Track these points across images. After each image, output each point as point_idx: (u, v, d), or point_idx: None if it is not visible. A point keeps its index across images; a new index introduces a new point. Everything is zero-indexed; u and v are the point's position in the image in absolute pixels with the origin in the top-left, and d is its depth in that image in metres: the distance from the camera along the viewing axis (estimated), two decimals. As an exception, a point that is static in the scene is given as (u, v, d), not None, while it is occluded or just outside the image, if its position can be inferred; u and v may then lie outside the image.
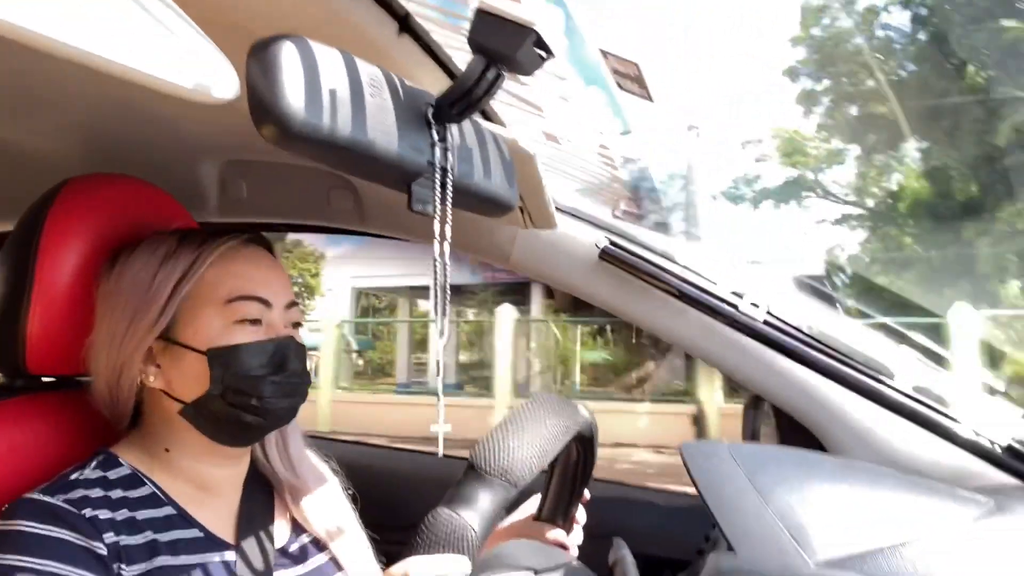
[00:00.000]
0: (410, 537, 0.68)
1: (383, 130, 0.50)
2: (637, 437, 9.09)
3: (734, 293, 1.16)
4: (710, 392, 9.61)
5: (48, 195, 0.90)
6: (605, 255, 1.17)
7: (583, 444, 0.89)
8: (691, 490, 1.37)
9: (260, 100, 0.45)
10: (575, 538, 0.99)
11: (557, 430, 0.74)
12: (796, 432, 1.18)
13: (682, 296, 1.15)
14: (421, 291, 14.56)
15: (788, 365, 1.14)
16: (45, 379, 0.93)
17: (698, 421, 9.51)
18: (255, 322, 0.83)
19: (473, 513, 0.66)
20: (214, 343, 0.81)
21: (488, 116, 0.73)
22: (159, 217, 0.94)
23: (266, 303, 0.84)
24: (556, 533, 0.96)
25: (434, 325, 0.58)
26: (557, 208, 1.10)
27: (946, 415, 1.10)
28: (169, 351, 0.83)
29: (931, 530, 0.70)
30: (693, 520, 1.30)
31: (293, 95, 0.45)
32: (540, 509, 0.98)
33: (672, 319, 1.17)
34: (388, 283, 14.60)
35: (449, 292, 0.55)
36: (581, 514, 1.00)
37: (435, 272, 0.54)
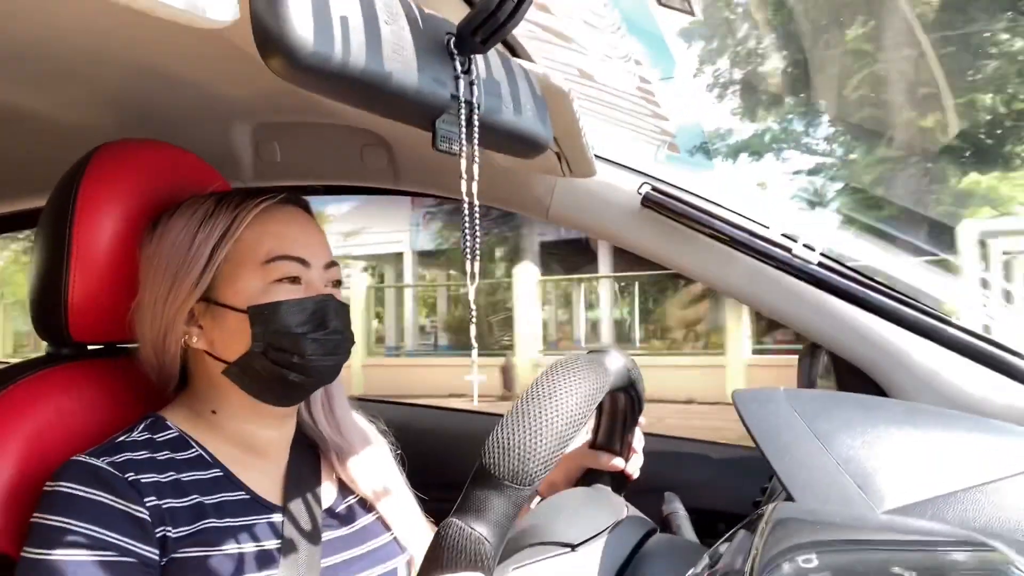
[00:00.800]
0: (455, 495, 0.66)
1: (401, 61, 0.47)
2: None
3: (786, 236, 1.10)
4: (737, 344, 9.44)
5: (80, 163, 0.90)
6: (648, 202, 1.12)
7: (626, 390, 0.84)
8: (743, 443, 1.34)
9: (265, 28, 0.42)
10: (635, 463, 0.96)
11: (577, 405, 0.66)
12: (855, 379, 1.13)
13: (731, 241, 1.09)
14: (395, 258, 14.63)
15: (846, 309, 1.08)
16: (91, 347, 0.94)
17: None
18: (294, 281, 0.83)
19: (485, 524, 0.61)
20: (254, 302, 0.81)
21: (515, 52, 0.69)
22: (194, 181, 0.93)
23: (304, 262, 0.83)
24: (615, 462, 0.94)
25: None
26: (596, 155, 1.06)
27: (1020, 355, 1.04)
28: (211, 312, 0.83)
29: (1008, 472, 0.66)
30: (747, 472, 1.27)
31: (301, 23, 0.42)
32: (594, 437, 0.95)
33: (720, 266, 1.12)
34: (368, 251, 14.62)
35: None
36: (640, 439, 0.97)
37: (464, 214, 0.50)
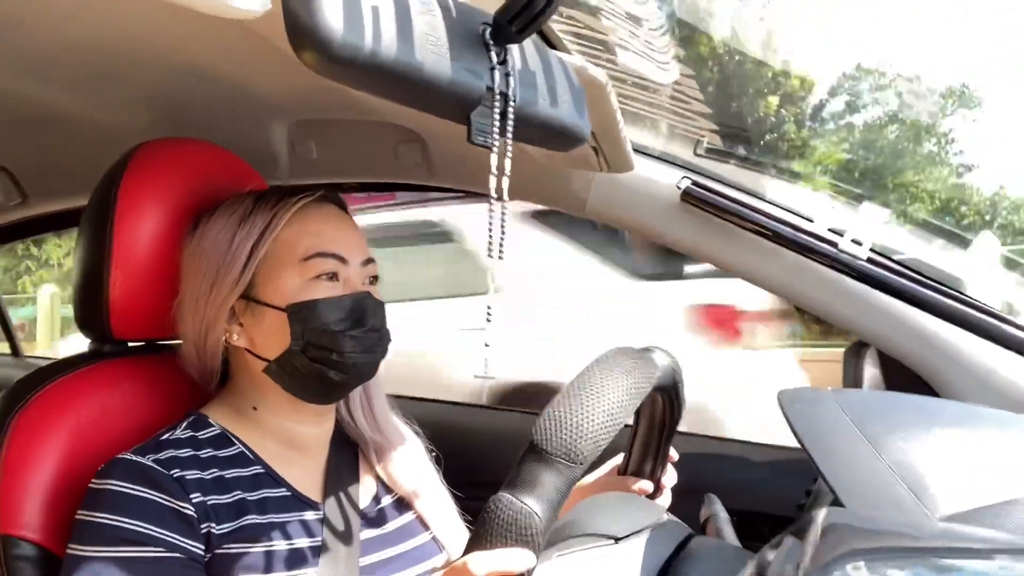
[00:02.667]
0: (491, 492, 0.65)
1: (435, 52, 0.46)
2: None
3: (832, 230, 1.06)
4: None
5: (120, 162, 0.91)
6: (687, 196, 1.10)
7: (667, 393, 0.83)
8: (786, 444, 1.30)
9: (296, 20, 0.41)
10: (663, 501, 0.94)
11: (627, 393, 0.66)
12: (905, 379, 1.09)
13: (774, 236, 1.06)
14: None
15: (896, 306, 1.04)
16: (132, 344, 0.95)
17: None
18: (332, 278, 0.83)
19: (536, 499, 0.61)
20: (293, 299, 0.81)
21: (552, 43, 0.67)
22: (231, 179, 0.94)
23: (342, 259, 0.84)
24: (643, 485, 0.92)
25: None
26: (634, 148, 1.03)
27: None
28: (251, 310, 0.83)
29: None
30: (790, 474, 1.23)
31: (332, 15, 0.41)
32: (625, 463, 0.93)
33: (763, 261, 1.09)
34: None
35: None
36: (670, 476, 0.95)
37: (491, 211, 0.49)
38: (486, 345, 0.61)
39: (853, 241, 1.04)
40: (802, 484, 1.08)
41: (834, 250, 1.05)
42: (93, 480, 0.76)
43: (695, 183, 1.11)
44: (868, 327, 1.08)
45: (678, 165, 1.12)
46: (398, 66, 0.44)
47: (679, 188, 1.11)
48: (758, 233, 1.08)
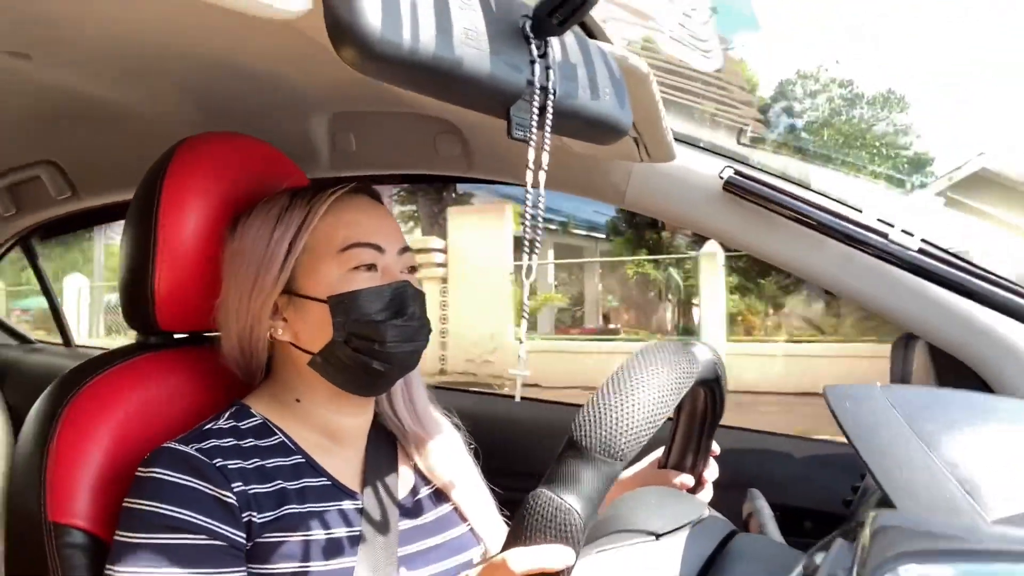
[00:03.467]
0: (531, 485, 0.65)
1: (475, 47, 0.45)
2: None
3: (882, 221, 1.03)
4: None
5: (165, 156, 0.92)
6: (730, 186, 1.07)
7: (708, 387, 0.82)
8: (831, 438, 1.27)
9: (337, 18, 0.41)
10: (705, 496, 0.93)
11: (667, 388, 0.66)
12: (957, 373, 1.06)
13: (820, 227, 1.03)
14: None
15: (949, 298, 1.01)
16: (177, 335, 0.96)
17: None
18: (370, 268, 0.83)
19: (575, 495, 0.60)
20: (333, 291, 0.82)
21: (591, 33, 0.66)
22: (273, 173, 0.95)
23: (378, 248, 0.84)
24: (683, 479, 0.90)
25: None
26: (675, 138, 1.01)
27: None
28: (293, 304, 0.84)
29: None
30: (835, 469, 1.21)
31: (372, 12, 0.41)
32: (666, 456, 0.92)
33: (809, 253, 1.06)
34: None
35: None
36: (712, 470, 0.93)
37: (527, 205, 0.48)
38: (519, 341, 0.60)
39: (904, 232, 1.01)
40: (848, 480, 1.06)
41: (884, 241, 1.01)
42: (139, 468, 0.78)
43: (738, 172, 1.08)
44: (918, 319, 1.05)
45: (720, 154, 1.10)
46: (438, 62, 0.44)
47: (721, 178, 1.08)
48: (803, 223, 1.05)
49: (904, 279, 1.02)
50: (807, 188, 1.07)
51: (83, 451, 0.82)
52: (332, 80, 1.07)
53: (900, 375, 1.20)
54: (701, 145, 1.11)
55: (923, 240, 1.02)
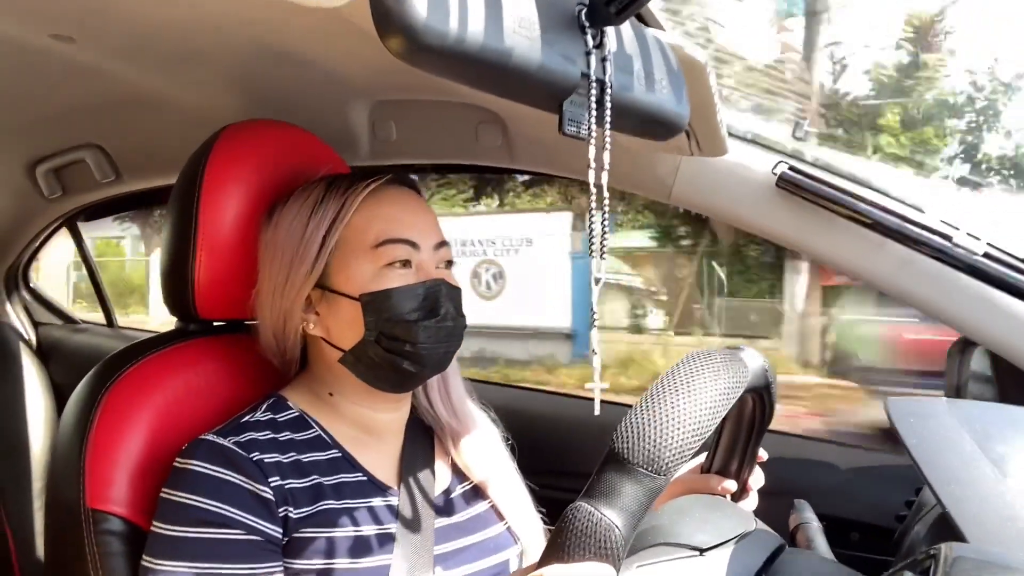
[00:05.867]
0: (569, 484, 0.62)
1: (526, 36, 0.42)
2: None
3: (945, 223, 0.98)
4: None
5: (206, 144, 0.92)
6: (784, 182, 1.03)
7: (758, 393, 0.78)
8: (883, 447, 1.22)
9: (382, 6, 0.38)
10: (749, 504, 0.89)
11: (715, 399, 0.62)
12: (1020, 384, 1.00)
13: (879, 227, 0.98)
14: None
15: (1015, 305, 0.95)
16: (217, 323, 0.96)
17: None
18: (405, 264, 0.82)
19: (616, 510, 0.57)
20: (366, 288, 0.80)
21: (645, 21, 0.62)
22: (312, 162, 0.93)
23: (414, 244, 0.82)
24: (727, 486, 0.87)
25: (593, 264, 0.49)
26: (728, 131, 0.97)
27: None
28: (326, 299, 0.83)
29: None
30: (888, 481, 1.16)
31: (419, 1, 0.38)
32: (709, 461, 0.89)
33: (866, 254, 1.02)
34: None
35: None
36: (757, 478, 0.89)
37: (591, 209, 0.45)
38: (595, 353, 0.57)
39: (969, 235, 0.96)
40: (900, 493, 1.01)
41: (948, 244, 0.96)
42: (177, 459, 0.77)
43: (792, 168, 1.04)
44: (981, 327, 1.00)
45: (774, 149, 1.05)
46: (486, 53, 0.41)
47: (775, 174, 1.04)
48: (861, 223, 1.00)
49: (967, 284, 0.97)
50: (867, 186, 1.02)
51: (122, 438, 0.82)
52: (374, 67, 1.05)
53: (956, 383, 1.15)
54: (754, 139, 1.06)
55: (989, 244, 0.97)
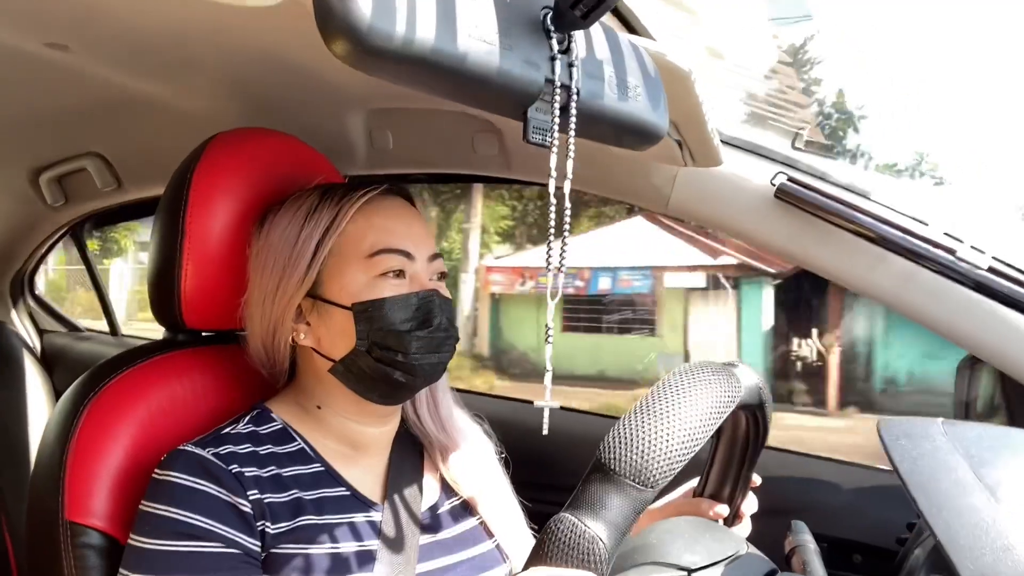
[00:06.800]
0: (565, 499, 0.60)
1: (483, 40, 0.40)
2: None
3: (949, 235, 0.95)
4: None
5: (194, 153, 0.91)
6: (783, 193, 1.01)
7: (751, 411, 0.76)
8: (885, 466, 1.18)
9: (323, 5, 0.37)
10: (742, 531, 0.86)
11: (706, 412, 0.60)
12: (1029, 402, 0.97)
13: (881, 240, 0.96)
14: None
15: (1020, 320, 0.92)
16: (205, 333, 0.95)
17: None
18: (399, 275, 0.80)
19: (601, 522, 0.56)
20: (358, 298, 0.79)
21: (629, 25, 0.61)
22: (304, 171, 0.93)
23: (408, 255, 0.81)
24: (719, 510, 0.84)
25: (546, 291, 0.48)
26: (723, 141, 0.95)
27: None
28: (317, 308, 0.81)
29: None
30: (889, 500, 1.13)
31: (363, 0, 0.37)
32: (702, 485, 0.86)
33: (867, 268, 0.99)
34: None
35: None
36: (750, 503, 0.87)
37: (552, 219, 0.43)
38: (547, 370, 0.55)
39: (973, 248, 0.93)
40: (902, 513, 0.98)
41: (951, 258, 0.93)
42: (156, 470, 0.76)
43: (791, 179, 1.01)
44: (986, 343, 0.97)
45: (773, 159, 1.03)
46: (439, 57, 0.39)
47: (773, 184, 1.02)
48: (862, 236, 0.97)
49: (971, 300, 0.94)
50: (868, 198, 1.00)
51: (103, 450, 0.81)
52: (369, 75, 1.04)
53: (964, 403, 1.12)
54: (752, 149, 1.04)
55: (994, 257, 0.94)
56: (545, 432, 0.56)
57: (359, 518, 0.80)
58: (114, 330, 2.00)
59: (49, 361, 1.91)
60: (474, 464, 0.92)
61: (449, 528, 0.87)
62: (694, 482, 0.88)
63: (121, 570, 0.73)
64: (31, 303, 2.01)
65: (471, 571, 0.85)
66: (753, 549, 0.73)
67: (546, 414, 0.57)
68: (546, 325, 0.49)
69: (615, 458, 0.58)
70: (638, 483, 0.57)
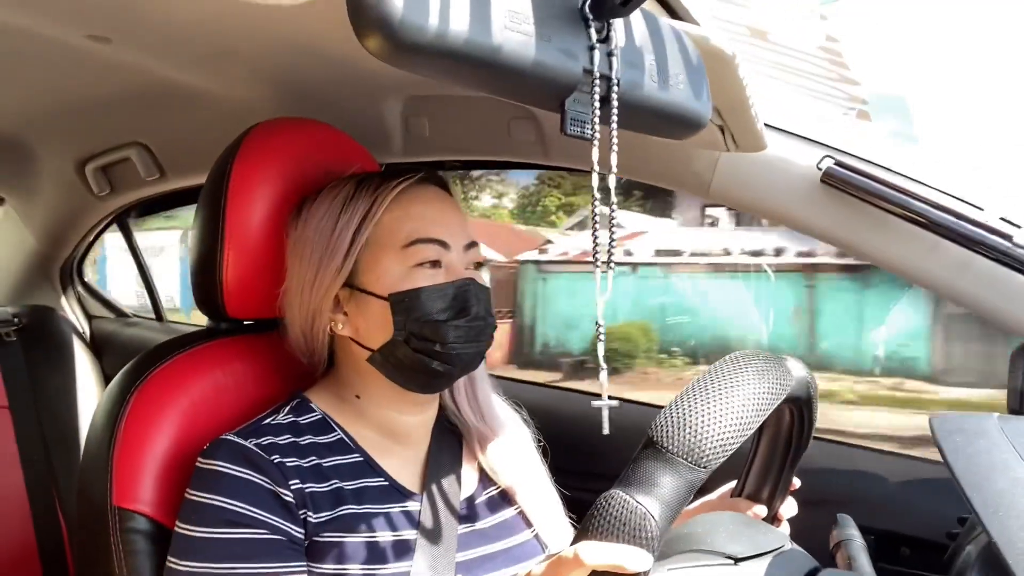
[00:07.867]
0: (603, 487, 0.60)
1: (519, 31, 0.39)
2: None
3: (1006, 220, 0.91)
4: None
5: (235, 142, 0.92)
6: (829, 178, 0.97)
7: (798, 407, 0.74)
8: (937, 457, 1.15)
9: (355, 2, 0.36)
10: (789, 508, 0.84)
11: (760, 395, 0.59)
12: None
13: (933, 226, 0.92)
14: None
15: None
16: (247, 322, 0.96)
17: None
18: (435, 264, 0.80)
19: (652, 499, 0.54)
20: (395, 288, 0.79)
21: (673, 10, 0.59)
22: (341, 160, 0.93)
23: (444, 244, 0.81)
24: (757, 511, 0.82)
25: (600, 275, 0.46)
26: (767, 125, 0.92)
27: None
28: (355, 298, 0.82)
29: None
30: (940, 495, 1.09)
31: None
32: (740, 485, 0.84)
33: (918, 255, 0.95)
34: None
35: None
36: (789, 507, 0.85)
37: (593, 212, 0.42)
38: (601, 368, 0.54)
39: (1032, 234, 0.89)
40: (952, 506, 0.95)
41: (1008, 244, 0.89)
42: (199, 459, 0.77)
43: (839, 163, 0.98)
44: (1045, 333, 0.93)
45: (819, 143, 0.99)
46: (472, 49, 0.38)
47: (819, 168, 0.99)
48: (913, 222, 0.94)
49: None
50: (920, 183, 0.96)
51: (149, 437, 0.83)
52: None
53: (1019, 388, 1.07)
54: (797, 133, 1.01)
55: (1056, 243, 0.90)
56: (605, 431, 0.55)
57: (398, 508, 0.81)
58: (160, 316, 2.04)
59: (98, 346, 1.96)
60: (512, 453, 0.92)
61: (487, 518, 0.87)
62: (731, 484, 0.86)
63: (169, 558, 0.74)
64: (80, 289, 2.07)
65: (509, 561, 0.85)
66: (799, 548, 0.72)
67: (605, 413, 0.56)
68: (596, 323, 0.48)
69: (668, 437, 0.57)
70: (691, 462, 0.56)
